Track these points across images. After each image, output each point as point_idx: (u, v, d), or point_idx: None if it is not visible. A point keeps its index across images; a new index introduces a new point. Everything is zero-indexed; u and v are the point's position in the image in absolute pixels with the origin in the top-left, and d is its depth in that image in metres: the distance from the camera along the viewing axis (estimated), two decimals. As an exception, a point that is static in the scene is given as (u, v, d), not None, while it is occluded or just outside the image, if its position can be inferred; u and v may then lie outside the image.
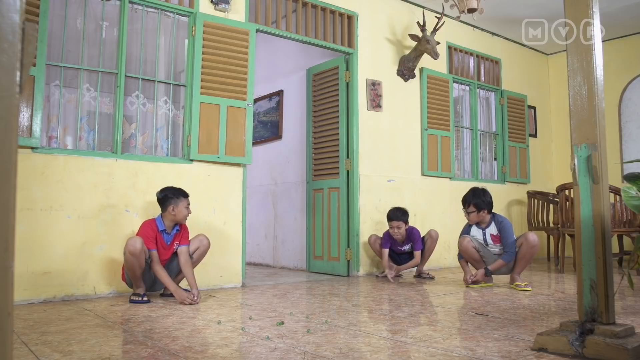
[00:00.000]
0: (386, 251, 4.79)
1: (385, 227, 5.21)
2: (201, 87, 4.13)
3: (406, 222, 4.75)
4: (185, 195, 3.52)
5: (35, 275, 3.37)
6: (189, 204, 3.53)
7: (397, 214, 4.71)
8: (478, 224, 4.19)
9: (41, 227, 3.43)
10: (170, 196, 3.47)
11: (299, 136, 5.86)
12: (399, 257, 4.88)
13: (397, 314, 2.96)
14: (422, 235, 4.87)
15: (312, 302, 3.50)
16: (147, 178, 3.87)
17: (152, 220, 3.47)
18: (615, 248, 5.70)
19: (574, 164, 2.04)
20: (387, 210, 5.35)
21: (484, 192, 4.17)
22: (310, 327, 2.54)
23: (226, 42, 4.29)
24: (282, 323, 2.66)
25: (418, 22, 5.40)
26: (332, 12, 5.17)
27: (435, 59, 5.45)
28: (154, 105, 4.12)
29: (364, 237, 5.09)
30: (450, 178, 6.03)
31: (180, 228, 3.55)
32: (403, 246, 4.84)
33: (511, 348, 2.10)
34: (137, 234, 3.37)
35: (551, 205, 6.32)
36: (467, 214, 4.16)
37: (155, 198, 3.52)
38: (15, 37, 0.67)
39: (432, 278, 4.76)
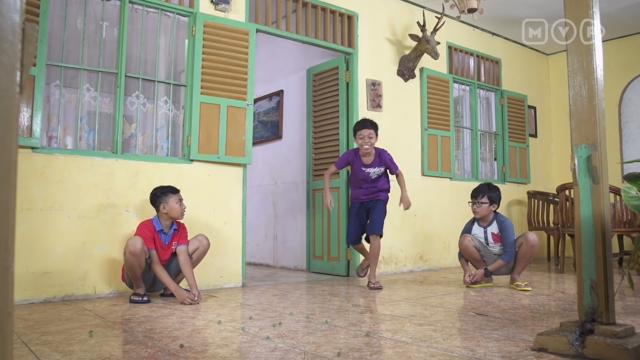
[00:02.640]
0: (329, 173, 4.30)
1: (384, 225, 5.19)
2: (201, 87, 4.13)
3: (376, 135, 4.14)
4: (174, 191, 3.50)
5: (35, 275, 3.37)
6: (180, 199, 3.50)
7: (366, 123, 4.12)
8: (479, 222, 4.20)
9: (41, 227, 3.43)
10: (158, 195, 3.48)
11: (299, 136, 5.86)
12: (366, 185, 4.25)
13: (397, 313, 2.96)
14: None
15: (312, 302, 3.50)
16: (147, 178, 3.87)
17: (149, 221, 3.47)
18: (615, 248, 5.70)
19: (574, 164, 2.04)
20: (388, 210, 5.35)
21: (496, 187, 4.21)
22: (310, 327, 2.54)
23: (226, 42, 4.29)
24: (280, 324, 2.66)
25: (418, 22, 5.40)
26: (332, 12, 5.17)
27: (436, 59, 5.45)
28: (154, 105, 4.13)
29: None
30: (450, 178, 6.03)
31: (178, 227, 3.55)
32: (370, 167, 4.17)
33: (511, 348, 2.10)
34: (135, 235, 3.37)
35: (551, 206, 6.32)
36: (479, 204, 4.13)
37: None
38: (15, 37, 0.67)
39: (380, 288, 4.06)
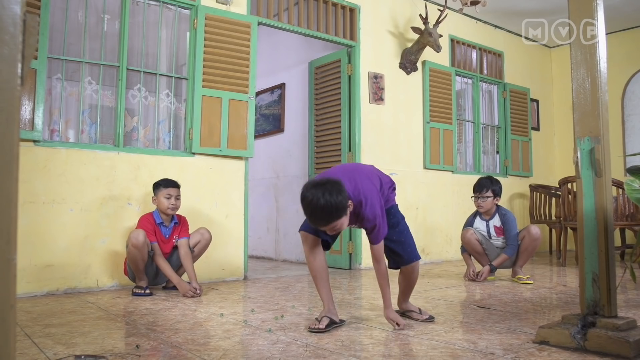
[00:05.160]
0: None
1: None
2: (203, 80, 4.13)
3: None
4: (165, 184, 3.47)
5: (38, 268, 3.38)
6: (170, 195, 3.44)
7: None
8: (482, 216, 4.19)
9: (43, 220, 3.44)
10: (153, 188, 3.51)
11: (301, 129, 5.85)
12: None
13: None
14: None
15: (314, 295, 3.51)
16: (149, 171, 3.87)
17: (149, 214, 3.49)
18: (617, 241, 5.70)
19: (577, 157, 2.04)
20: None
21: (497, 180, 4.21)
22: (312, 320, 2.54)
23: (228, 35, 4.28)
24: (282, 316, 2.67)
25: (420, 15, 5.37)
26: (334, 4, 5.14)
27: (438, 52, 5.43)
28: (156, 99, 4.12)
29: (365, 230, 5.09)
30: (452, 171, 6.02)
31: (179, 221, 3.56)
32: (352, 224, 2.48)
33: (513, 341, 2.10)
34: (136, 228, 3.38)
35: (553, 199, 6.31)
36: (483, 199, 4.11)
37: None
38: (16, 28, 0.67)
39: (431, 319, 2.57)
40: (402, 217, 2.60)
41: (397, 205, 2.63)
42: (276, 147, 6.25)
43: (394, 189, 2.63)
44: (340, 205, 2.11)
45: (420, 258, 2.59)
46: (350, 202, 2.20)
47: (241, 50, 4.33)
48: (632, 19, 6.56)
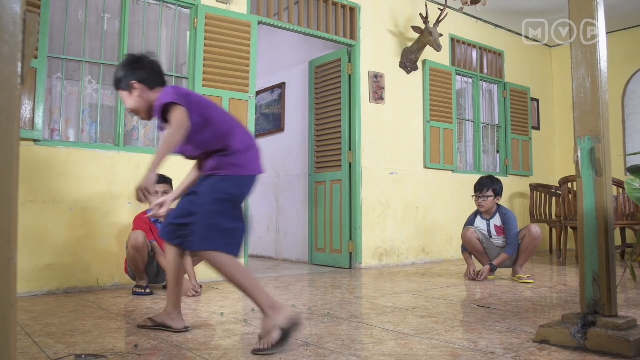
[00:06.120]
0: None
1: (386, 217, 5.18)
2: (203, 80, 4.12)
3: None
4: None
5: (38, 267, 3.38)
6: (157, 191, 3.29)
7: None
8: (482, 215, 4.19)
9: (44, 219, 3.44)
10: None
11: (301, 128, 5.85)
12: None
13: (399, 305, 2.97)
14: None
15: (314, 294, 3.51)
16: (149, 170, 3.86)
17: (143, 213, 3.48)
18: (617, 240, 5.70)
19: (577, 156, 2.04)
20: (389, 203, 5.36)
21: (498, 179, 4.21)
22: (312, 319, 2.54)
23: (228, 34, 4.27)
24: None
25: (420, 14, 5.37)
26: (334, 3, 5.14)
27: (438, 51, 5.42)
28: (156, 98, 4.11)
29: (366, 229, 5.09)
30: (452, 170, 6.02)
31: None
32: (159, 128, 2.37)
33: (513, 340, 2.10)
34: (133, 229, 3.37)
35: (553, 198, 6.31)
36: (484, 198, 4.12)
37: None
38: (16, 27, 0.67)
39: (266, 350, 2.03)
40: (216, 199, 2.07)
41: (231, 177, 2.13)
42: (276, 146, 6.25)
43: (246, 150, 2.18)
44: (119, 77, 2.36)
45: (211, 249, 1.98)
46: (135, 83, 2.30)
47: (241, 50, 4.33)
48: (632, 18, 6.56)
